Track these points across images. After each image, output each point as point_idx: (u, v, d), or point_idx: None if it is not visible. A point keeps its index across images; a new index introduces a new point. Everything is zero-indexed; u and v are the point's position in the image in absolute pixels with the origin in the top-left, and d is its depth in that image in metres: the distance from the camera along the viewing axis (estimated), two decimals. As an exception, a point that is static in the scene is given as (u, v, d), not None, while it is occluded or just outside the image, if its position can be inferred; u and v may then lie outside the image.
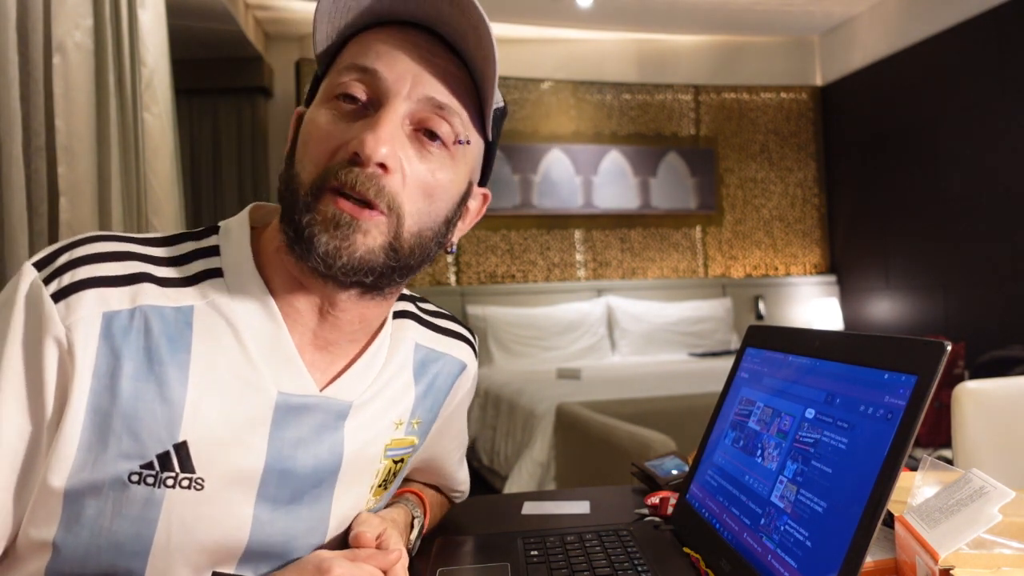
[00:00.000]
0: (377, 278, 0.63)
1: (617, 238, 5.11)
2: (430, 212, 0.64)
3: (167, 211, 2.00)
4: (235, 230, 0.67)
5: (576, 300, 4.87)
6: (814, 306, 5.19)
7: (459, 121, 0.64)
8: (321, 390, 0.66)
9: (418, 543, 0.78)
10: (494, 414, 3.80)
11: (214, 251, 0.65)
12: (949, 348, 0.52)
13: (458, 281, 4.81)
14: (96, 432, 0.57)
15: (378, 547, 0.66)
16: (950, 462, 0.83)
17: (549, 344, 4.62)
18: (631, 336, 4.80)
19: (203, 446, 0.59)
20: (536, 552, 0.76)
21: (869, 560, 0.62)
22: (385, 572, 0.63)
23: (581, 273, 5.05)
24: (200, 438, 0.59)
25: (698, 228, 5.28)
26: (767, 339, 0.81)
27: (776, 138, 5.40)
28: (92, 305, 0.58)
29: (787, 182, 5.41)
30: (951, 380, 3.34)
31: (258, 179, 4.62)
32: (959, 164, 4.21)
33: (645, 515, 0.90)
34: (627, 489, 1.04)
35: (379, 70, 0.61)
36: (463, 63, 0.65)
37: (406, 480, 0.89)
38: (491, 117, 0.68)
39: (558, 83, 5.03)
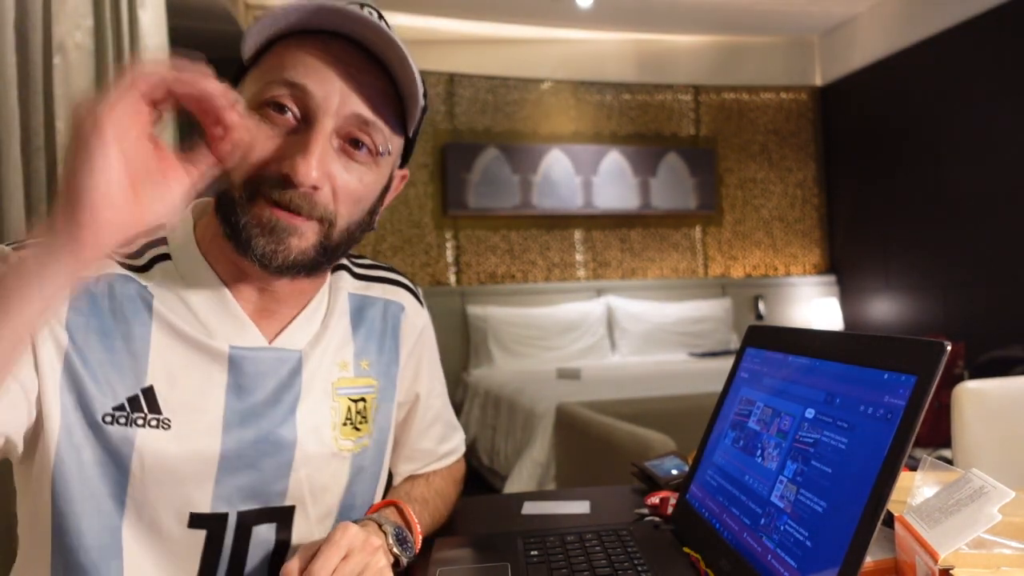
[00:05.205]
0: (310, 269, 0.71)
1: (617, 238, 5.11)
2: (358, 211, 0.72)
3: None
4: (179, 224, 0.75)
5: (576, 300, 4.87)
6: (814, 306, 5.18)
7: (382, 136, 0.70)
8: (270, 343, 0.74)
9: (411, 550, 0.75)
10: (494, 414, 3.80)
11: (162, 242, 0.74)
12: (949, 348, 0.52)
13: (458, 281, 4.81)
14: (71, 380, 0.65)
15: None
16: (950, 462, 0.83)
17: (549, 344, 4.62)
18: (631, 336, 4.79)
19: (167, 392, 0.68)
20: (536, 552, 0.76)
21: (869, 560, 0.62)
22: None
23: (581, 273, 5.05)
24: (164, 385, 0.68)
25: (698, 228, 5.28)
26: (767, 339, 0.81)
27: (776, 138, 5.39)
28: None
29: (787, 182, 5.41)
30: (951, 380, 3.33)
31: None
32: (959, 164, 4.21)
33: (645, 515, 0.90)
34: (627, 489, 1.04)
35: (308, 86, 0.66)
36: (385, 72, 0.69)
37: (392, 490, 0.89)
38: (415, 121, 0.74)
39: (558, 83, 5.03)
